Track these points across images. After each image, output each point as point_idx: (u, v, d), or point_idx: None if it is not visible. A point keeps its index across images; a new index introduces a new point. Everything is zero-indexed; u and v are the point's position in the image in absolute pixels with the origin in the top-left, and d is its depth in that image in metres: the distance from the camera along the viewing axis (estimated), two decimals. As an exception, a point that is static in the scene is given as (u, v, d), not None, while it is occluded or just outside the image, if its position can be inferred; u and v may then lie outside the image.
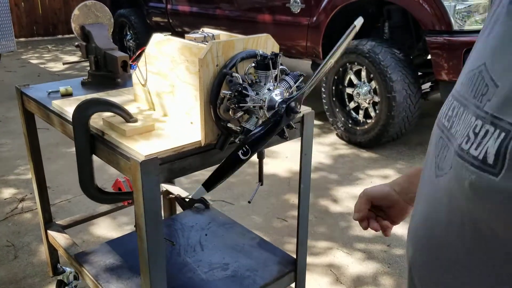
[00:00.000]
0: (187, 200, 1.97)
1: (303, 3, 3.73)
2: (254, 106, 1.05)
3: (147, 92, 1.35)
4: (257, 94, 1.06)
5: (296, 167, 2.83)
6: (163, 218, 2.03)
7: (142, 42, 5.57)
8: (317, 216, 2.64)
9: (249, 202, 1.56)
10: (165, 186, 2.11)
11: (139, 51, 1.32)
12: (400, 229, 2.50)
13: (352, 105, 3.65)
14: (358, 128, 3.59)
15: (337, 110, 3.71)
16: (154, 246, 1.13)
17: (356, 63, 3.49)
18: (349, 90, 3.64)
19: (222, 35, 1.34)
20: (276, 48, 1.20)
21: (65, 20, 8.77)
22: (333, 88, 3.69)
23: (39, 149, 1.73)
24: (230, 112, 1.10)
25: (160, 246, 1.15)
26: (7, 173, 3.20)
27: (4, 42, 5.43)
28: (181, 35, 1.33)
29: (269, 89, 1.06)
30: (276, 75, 1.08)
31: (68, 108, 1.35)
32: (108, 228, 2.51)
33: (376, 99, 3.41)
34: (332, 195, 2.90)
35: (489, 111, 0.53)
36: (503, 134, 0.49)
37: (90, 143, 1.22)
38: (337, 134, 3.83)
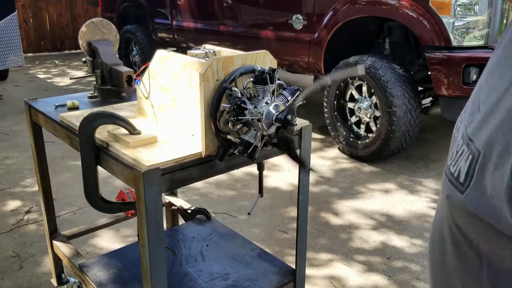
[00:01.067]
0: (189, 211, 2.01)
1: (305, 20, 3.81)
2: (252, 119, 1.10)
3: (150, 106, 1.40)
4: (255, 107, 1.10)
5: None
6: (165, 229, 2.07)
7: (147, 57, 5.65)
8: (318, 229, 2.67)
9: (248, 213, 1.61)
10: (167, 198, 2.15)
11: (143, 67, 1.37)
12: (400, 242, 2.52)
13: (353, 119, 3.69)
14: (359, 142, 3.62)
15: (338, 124, 3.75)
16: (156, 253, 1.16)
17: (357, 78, 3.54)
18: (350, 105, 3.69)
19: (223, 51, 1.40)
20: (274, 63, 1.25)
21: (72, 36, 8.93)
22: (335, 102, 3.73)
23: (46, 161, 1.78)
24: (229, 124, 1.15)
25: (161, 254, 1.19)
26: (14, 186, 3.25)
27: (13, 57, 5.53)
28: (186, 50, 1.39)
29: (266, 103, 1.11)
30: (274, 89, 1.13)
31: (74, 121, 1.40)
32: (111, 240, 2.55)
33: (377, 113, 3.46)
34: (333, 208, 2.92)
35: (468, 133, 0.58)
36: (471, 156, 0.54)
37: (95, 154, 1.27)
38: (338, 148, 3.86)
